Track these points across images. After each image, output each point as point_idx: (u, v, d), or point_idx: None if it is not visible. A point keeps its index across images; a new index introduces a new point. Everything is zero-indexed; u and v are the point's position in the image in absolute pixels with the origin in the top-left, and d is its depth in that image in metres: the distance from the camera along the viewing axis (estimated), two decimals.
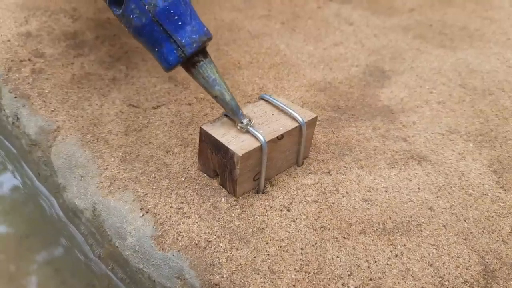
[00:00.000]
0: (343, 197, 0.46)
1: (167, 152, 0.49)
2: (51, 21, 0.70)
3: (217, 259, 0.39)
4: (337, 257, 0.40)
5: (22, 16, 0.70)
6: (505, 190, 0.48)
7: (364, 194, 0.46)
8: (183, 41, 0.40)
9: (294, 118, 0.45)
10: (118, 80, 0.59)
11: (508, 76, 0.65)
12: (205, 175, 0.46)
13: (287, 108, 0.45)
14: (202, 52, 0.42)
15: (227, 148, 0.41)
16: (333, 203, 0.45)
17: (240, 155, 0.41)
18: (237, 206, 0.43)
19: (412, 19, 0.78)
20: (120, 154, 0.48)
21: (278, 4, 0.81)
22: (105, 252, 0.45)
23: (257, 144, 0.42)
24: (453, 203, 0.46)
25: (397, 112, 0.57)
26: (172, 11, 0.40)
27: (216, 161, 0.44)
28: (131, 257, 0.42)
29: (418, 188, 0.47)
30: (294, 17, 0.77)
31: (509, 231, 0.43)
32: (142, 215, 0.42)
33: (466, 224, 0.44)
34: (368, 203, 0.45)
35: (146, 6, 0.40)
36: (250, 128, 0.42)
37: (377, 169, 0.49)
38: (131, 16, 0.40)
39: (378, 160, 0.50)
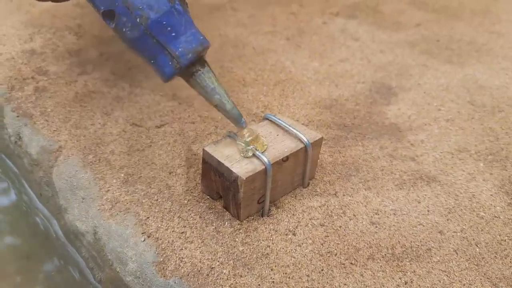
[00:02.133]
0: (350, 220, 0.44)
1: (170, 173, 0.48)
2: (55, 38, 0.69)
3: (220, 287, 0.38)
4: (345, 284, 0.38)
5: (27, 33, 0.70)
6: None
7: (371, 217, 0.44)
8: (177, 52, 0.39)
9: (299, 139, 0.44)
10: (122, 98, 0.58)
11: None
12: (208, 197, 0.45)
13: (291, 129, 0.44)
14: (199, 61, 0.41)
15: (231, 171, 0.40)
16: (340, 227, 0.43)
17: (244, 178, 0.39)
18: (241, 230, 0.42)
19: (418, 34, 0.77)
20: (122, 175, 0.47)
21: (283, 19, 0.80)
22: (106, 277, 0.43)
23: (261, 167, 0.40)
24: (464, 227, 0.44)
25: (405, 130, 0.56)
26: (164, 23, 0.39)
27: (219, 183, 0.42)
28: (132, 283, 0.40)
29: (428, 211, 0.45)
30: (299, 33, 0.76)
31: None
32: (144, 240, 0.41)
33: (478, 249, 0.42)
34: (376, 227, 0.44)
35: (137, 19, 0.39)
36: (256, 152, 0.41)
37: (385, 190, 0.47)
38: (124, 30, 0.40)
39: (386, 181, 0.49)
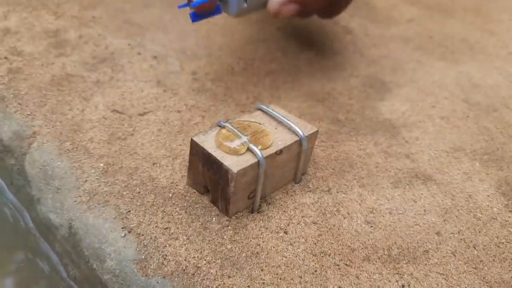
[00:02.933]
0: (344, 218, 0.42)
1: (153, 164, 0.44)
2: (32, 17, 0.65)
3: None
4: (339, 287, 0.36)
5: (1, 11, 0.65)
6: None
7: (366, 215, 0.42)
8: None
9: (293, 132, 0.41)
10: (102, 83, 0.54)
11: (511, 91, 0.62)
12: (194, 191, 0.42)
13: (286, 120, 0.42)
14: None
15: (221, 164, 0.37)
16: (334, 225, 0.41)
17: (235, 172, 0.37)
18: (229, 227, 0.39)
19: (411, 29, 0.75)
20: (102, 165, 0.44)
21: None
22: (81, 274, 0.40)
23: (254, 160, 0.38)
24: (461, 228, 0.42)
25: (399, 126, 0.54)
26: None
27: (207, 176, 0.40)
28: (110, 282, 0.37)
29: (424, 211, 0.44)
30: (290, 23, 0.73)
31: None
32: (124, 235, 0.38)
33: (476, 252, 0.40)
34: (372, 226, 0.41)
35: None
36: (249, 144, 0.38)
37: (380, 188, 0.45)
38: None
39: (381, 178, 0.46)
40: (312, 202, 0.43)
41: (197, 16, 0.44)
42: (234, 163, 0.37)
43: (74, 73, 0.55)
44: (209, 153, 0.38)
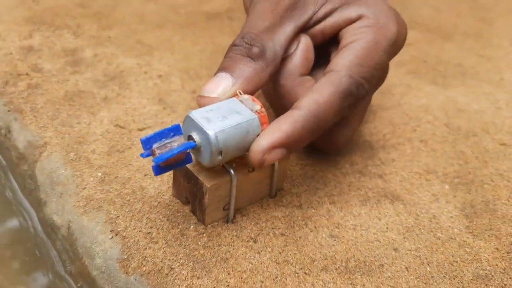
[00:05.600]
0: (310, 231, 0.46)
1: (145, 175, 0.50)
2: (54, 36, 0.73)
3: (177, 286, 0.40)
4: None
5: (27, 30, 0.73)
6: (473, 235, 0.48)
7: (332, 230, 0.47)
8: None
9: None
10: (110, 99, 0.61)
11: (495, 117, 0.65)
12: (178, 201, 0.47)
13: None
14: None
15: (197, 178, 0.43)
16: (300, 237, 0.46)
17: (209, 186, 0.42)
18: (204, 235, 0.44)
19: (407, 54, 0.79)
20: (100, 174, 0.50)
21: None
22: (76, 270, 0.46)
23: (227, 177, 0.43)
24: (419, 246, 0.46)
25: (377, 148, 0.58)
26: None
27: (188, 188, 0.45)
28: (98, 277, 0.43)
29: (387, 228, 0.48)
30: None
31: (471, 278, 0.44)
32: (111, 237, 0.44)
33: (428, 268, 0.44)
34: (335, 240, 0.46)
35: None
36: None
37: (348, 205, 0.50)
38: None
39: (351, 196, 0.51)
40: (283, 216, 0.48)
41: (161, 169, 0.39)
42: (208, 178, 0.42)
43: (86, 89, 0.62)
44: (187, 168, 0.43)
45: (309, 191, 0.51)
